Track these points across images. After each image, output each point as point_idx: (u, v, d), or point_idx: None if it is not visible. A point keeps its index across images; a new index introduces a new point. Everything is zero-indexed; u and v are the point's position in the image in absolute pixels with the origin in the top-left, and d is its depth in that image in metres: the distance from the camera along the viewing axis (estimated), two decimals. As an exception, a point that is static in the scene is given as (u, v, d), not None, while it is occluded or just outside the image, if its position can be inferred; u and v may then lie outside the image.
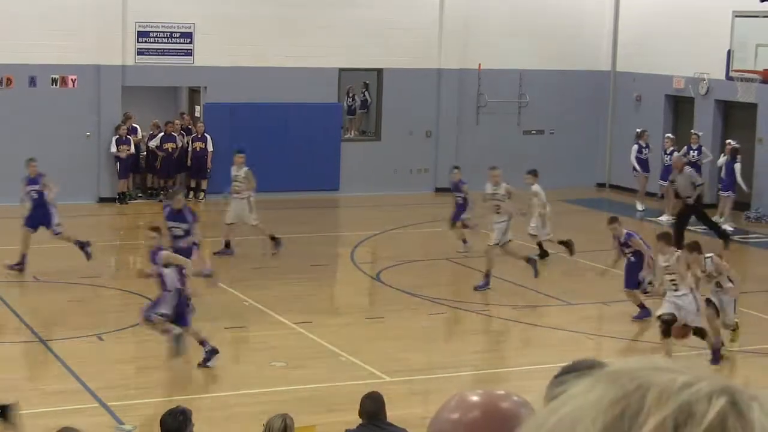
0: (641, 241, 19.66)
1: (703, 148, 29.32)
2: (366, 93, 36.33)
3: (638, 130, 30.56)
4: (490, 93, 32.87)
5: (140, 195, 30.79)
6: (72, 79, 29.29)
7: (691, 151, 29.34)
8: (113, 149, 29.55)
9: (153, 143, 30.49)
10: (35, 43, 28.44)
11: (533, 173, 24.15)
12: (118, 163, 29.72)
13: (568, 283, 22.09)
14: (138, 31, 29.70)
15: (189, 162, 30.56)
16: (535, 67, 33.08)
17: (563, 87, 33.55)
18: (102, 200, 29.78)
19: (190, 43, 30.17)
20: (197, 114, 31.90)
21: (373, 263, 23.87)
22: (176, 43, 30.06)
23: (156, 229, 16.84)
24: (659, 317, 16.86)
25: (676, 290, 16.83)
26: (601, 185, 34.11)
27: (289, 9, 30.62)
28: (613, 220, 20.05)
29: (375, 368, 16.34)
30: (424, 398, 14.94)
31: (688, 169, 25.97)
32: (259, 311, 19.49)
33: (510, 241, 21.81)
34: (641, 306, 19.46)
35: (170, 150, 30.42)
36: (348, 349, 17.48)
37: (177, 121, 31.30)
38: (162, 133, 30.54)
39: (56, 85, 29.23)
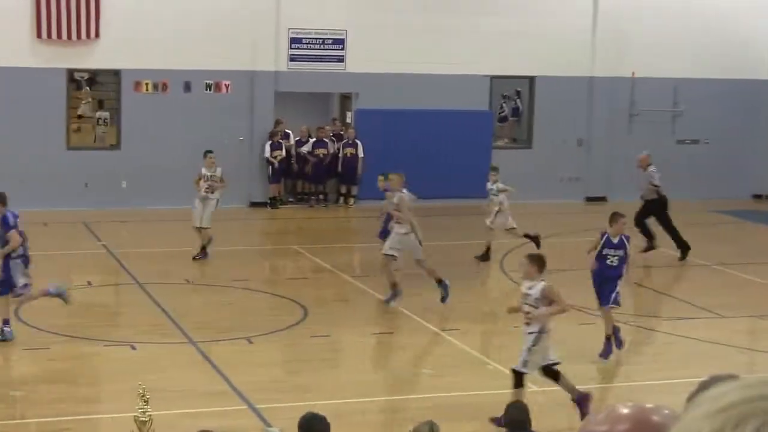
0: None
1: None
2: (517, 100, 36.17)
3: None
4: (644, 101, 32.43)
5: (291, 200, 31.12)
6: (226, 85, 29.75)
7: None
8: (267, 154, 29.93)
9: (305, 149, 30.77)
10: (190, 49, 28.94)
11: (493, 169, 24.22)
12: (270, 168, 30.08)
13: (721, 296, 21.63)
14: (291, 38, 30.03)
15: (340, 168, 30.79)
16: (690, 76, 32.49)
17: (719, 96, 32.89)
18: (253, 204, 30.15)
19: (342, 49, 30.39)
20: (348, 120, 32.11)
21: (521, 272, 23.61)
22: (328, 49, 30.31)
23: None
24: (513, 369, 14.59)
25: (528, 325, 14.85)
26: (757, 196, 33.33)
27: (440, 16, 30.64)
28: (620, 216, 18.21)
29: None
30: (572, 409, 14.72)
31: (651, 167, 24.77)
32: (406, 317, 19.50)
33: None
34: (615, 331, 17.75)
35: (321, 155, 30.68)
36: (495, 357, 17.39)
37: (328, 127, 31.55)
38: (313, 139, 30.83)
39: (210, 90, 29.71)
